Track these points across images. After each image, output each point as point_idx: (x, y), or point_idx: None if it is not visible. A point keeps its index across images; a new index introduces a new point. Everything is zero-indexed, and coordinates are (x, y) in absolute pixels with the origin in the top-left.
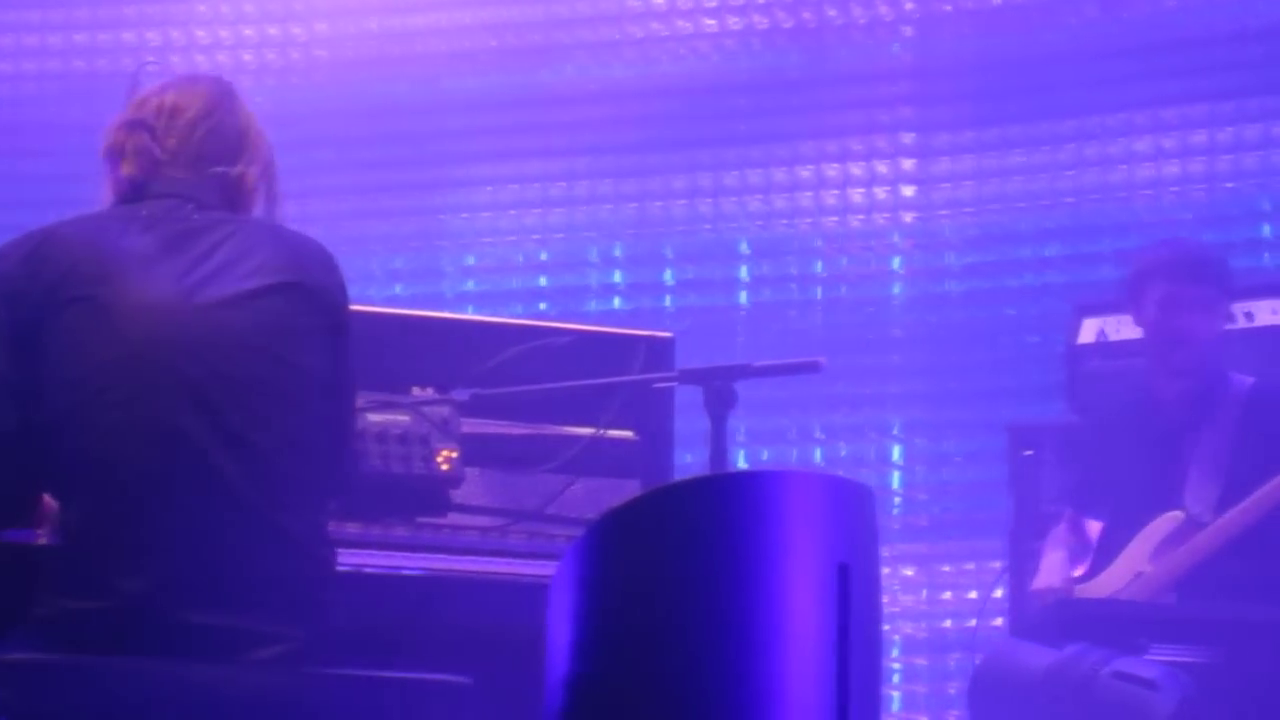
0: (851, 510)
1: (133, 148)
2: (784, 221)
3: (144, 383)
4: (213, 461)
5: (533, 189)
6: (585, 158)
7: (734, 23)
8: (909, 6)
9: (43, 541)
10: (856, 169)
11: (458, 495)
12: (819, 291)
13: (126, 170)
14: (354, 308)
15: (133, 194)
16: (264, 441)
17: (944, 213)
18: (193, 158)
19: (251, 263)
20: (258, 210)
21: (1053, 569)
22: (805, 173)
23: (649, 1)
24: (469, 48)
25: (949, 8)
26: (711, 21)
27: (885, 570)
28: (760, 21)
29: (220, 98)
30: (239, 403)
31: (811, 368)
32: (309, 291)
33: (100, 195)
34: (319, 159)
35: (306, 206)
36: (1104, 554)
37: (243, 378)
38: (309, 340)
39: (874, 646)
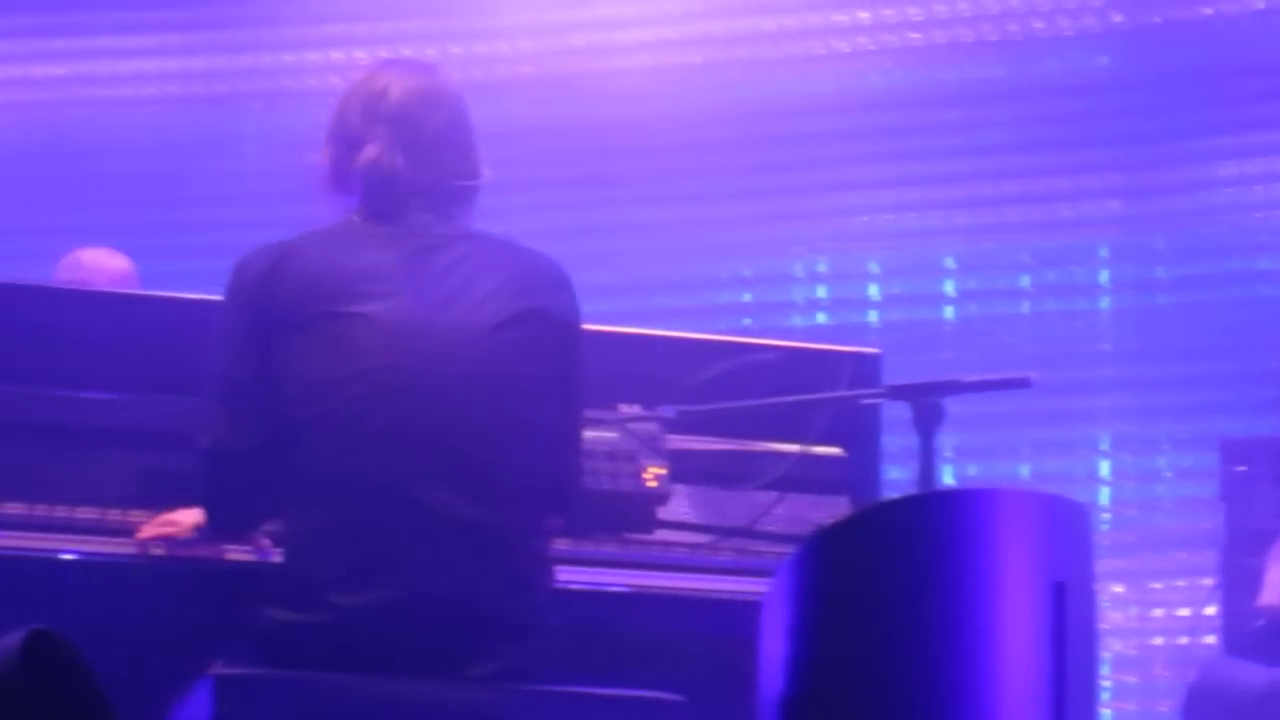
0: (1067, 528)
1: (389, 166)
2: (990, 236)
3: (376, 403)
4: (440, 481)
5: (733, 206)
6: (787, 173)
7: (939, 36)
8: (1116, 19)
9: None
10: (1062, 182)
11: (665, 512)
12: (1026, 306)
13: (381, 182)
14: None
15: (372, 207)
16: (492, 463)
17: (1153, 225)
18: (438, 169)
19: (488, 285)
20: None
21: (1277, 585)
22: (1011, 187)
23: (853, 15)
24: (692, 61)
25: (1157, 19)
26: (916, 35)
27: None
28: (965, 34)
29: (455, 97)
30: (470, 425)
31: (1020, 383)
32: (544, 316)
33: (320, 199)
34: (539, 175)
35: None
36: None
37: (475, 407)
38: (542, 367)
39: (1090, 665)
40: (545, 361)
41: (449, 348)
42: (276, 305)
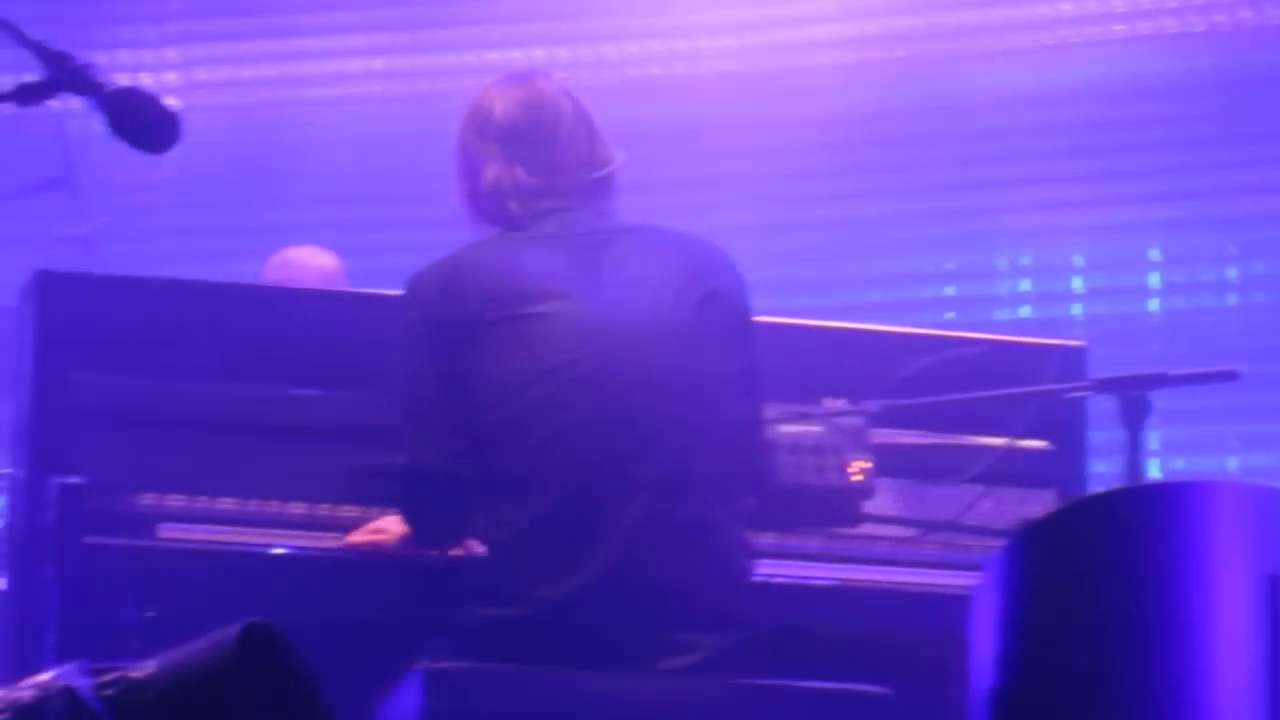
0: (1278, 521)
1: (510, 183)
2: (1196, 229)
3: (570, 397)
4: (639, 472)
5: (936, 200)
6: (989, 165)
7: (1143, 27)
8: None
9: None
10: (1268, 174)
11: (870, 506)
12: (1233, 298)
13: (512, 203)
14: (765, 319)
15: (526, 219)
16: (692, 457)
17: None
18: (567, 167)
19: (662, 273)
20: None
21: None
22: (1216, 179)
23: (1056, 8)
24: (895, 56)
25: None
26: (1121, 27)
27: None
28: (1170, 25)
29: (559, 95)
30: (667, 419)
31: (1228, 377)
32: (722, 299)
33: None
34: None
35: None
36: None
37: (670, 393)
38: (727, 348)
39: None
40: (728, 342)
41: (635, 337)
42: (455, 318)
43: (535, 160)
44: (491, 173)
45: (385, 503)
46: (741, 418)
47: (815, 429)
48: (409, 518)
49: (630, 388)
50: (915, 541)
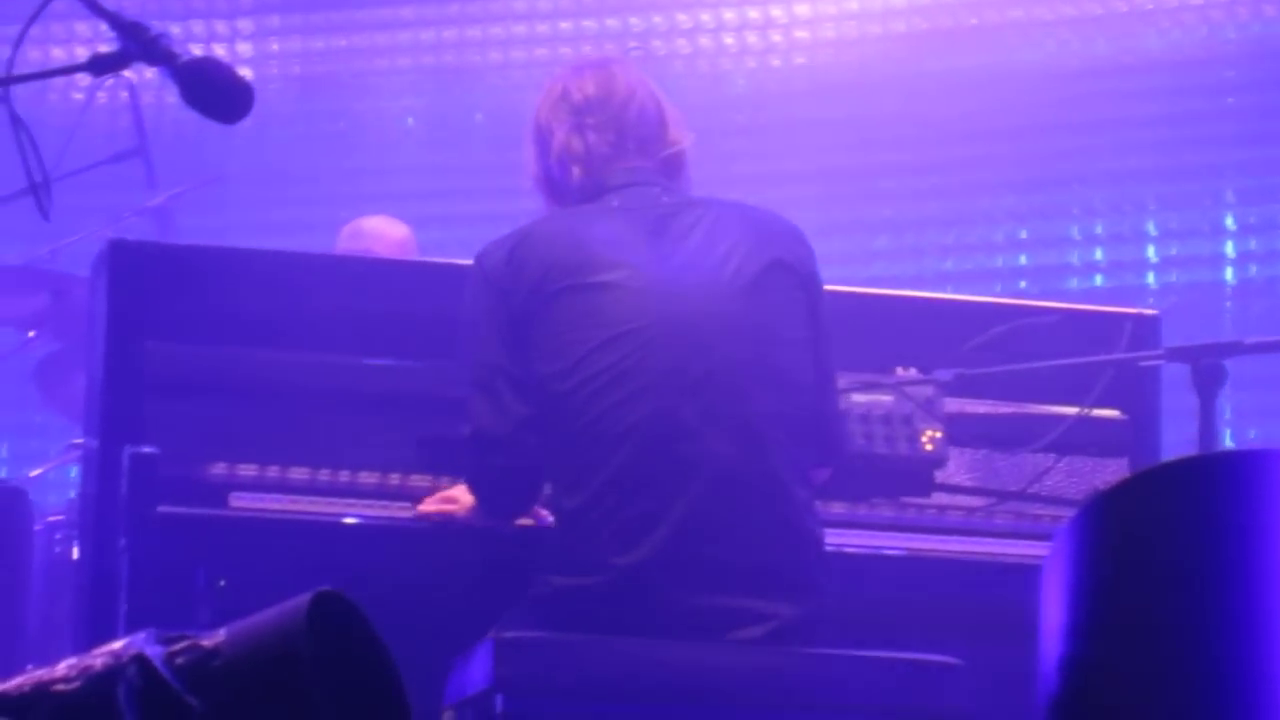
0: None
1: (580, 147)
2: (1271, 198)
3: (637, 366)
4: (709, 443)
5: (1010, 169)
6: (1063, 136)
7: None
8: None
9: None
10: None
11: (942, 475)
12: None
13: (579, 169)
14: (837, 288)
15: (594, 191)
16: (760, 422)
17: None
18: (637, 142)
19: (728, 243)
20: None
21: None
22: None
23: None
24: (968, 23)
25: None
26: None
27: None
28: None
29: (632, 77)
30: (734, 384)
31: None
32: (788, 267)
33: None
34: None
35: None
36: None
37: (736, 359)
38: (793, 315)
39: None
40: (795, 309)
41: (702, 304)
42: (521, 288)
43: (605, 130)
44: (561, 137)
45: (456, 472)
46: (810, 384)
47: (886, 398)
48: (476, 487)
49: (694, 354)
50: (986, 511)
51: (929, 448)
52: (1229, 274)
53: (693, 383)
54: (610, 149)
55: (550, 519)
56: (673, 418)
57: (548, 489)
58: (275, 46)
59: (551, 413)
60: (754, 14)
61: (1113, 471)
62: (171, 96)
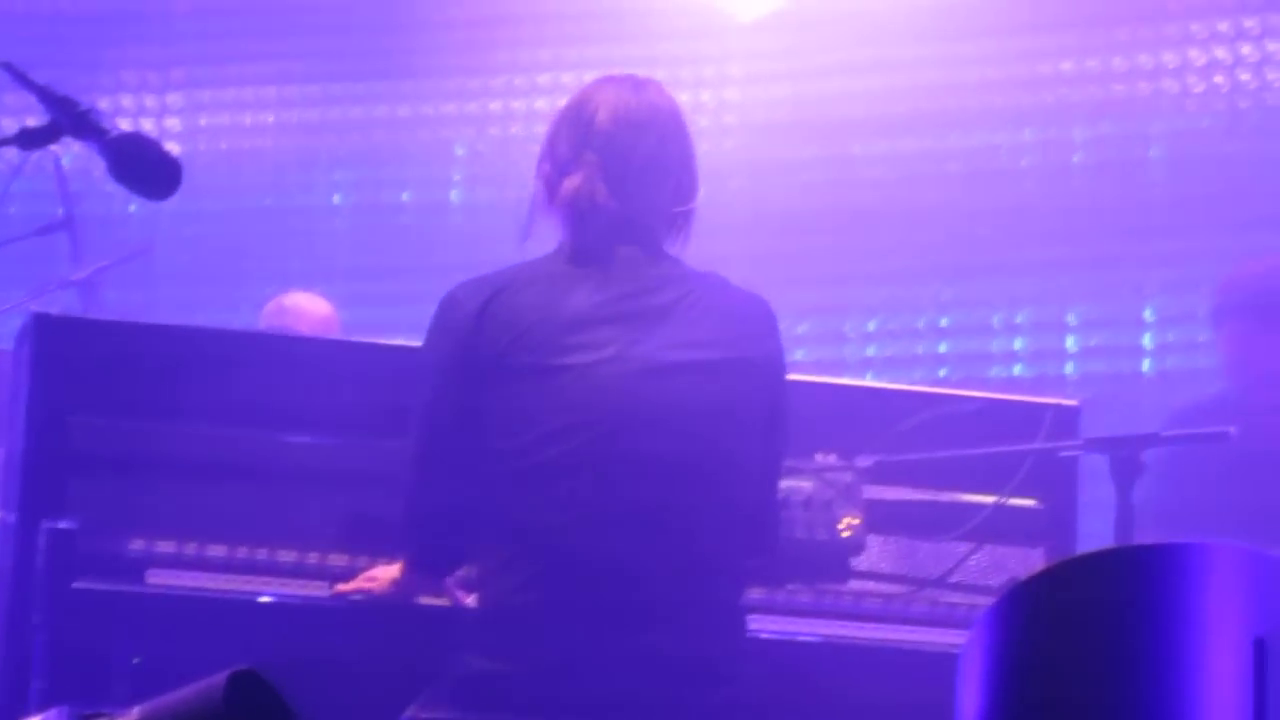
0: (1268, 583)
1: (588, 188)
2: (1189, 289)
3: (584, 457)
4: (647, 534)
5: (932, 256)
6: (986, 222)
7: (1144, 89)
8: None
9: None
10: (1261, 236)
11: (860, 562)
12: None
13: (584, 212)
14: None
15: (577, 240)
16: (699, 515)
17: None
18: (638, 197)
19: (698, 334)
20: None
21: None
22: (1210, 240)
23: (1056, 66)
24: (897, 111)
25: None
26: (1120, 87)
27: None
28: (1171, 86)
29: (667, 120)
30: (678, 478)
31: (1221, 437)
32: (753, 364)
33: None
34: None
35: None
36: None
37: (686, 454)
38: (750, 416)
39: None
40: (754, 411)
41: (659, 399)
42: (485, 350)
43: (622, 183)
44: (574, 182)
45: (375, 551)
46: (759, 480)
47: (806, 484)
48: (405, 526)
49: (646, 451)
50: (904, 598)
51: (848, 534)
52: (1147, 365)
53: (636, 478)
54: (617, 202)
55: (470, 600)
56: (610, 515)
57: (470, 569)
58: (204, 121)
59: (491, 489)
60: (684, 96)
61: (1030, 561)
62: (99, 170)
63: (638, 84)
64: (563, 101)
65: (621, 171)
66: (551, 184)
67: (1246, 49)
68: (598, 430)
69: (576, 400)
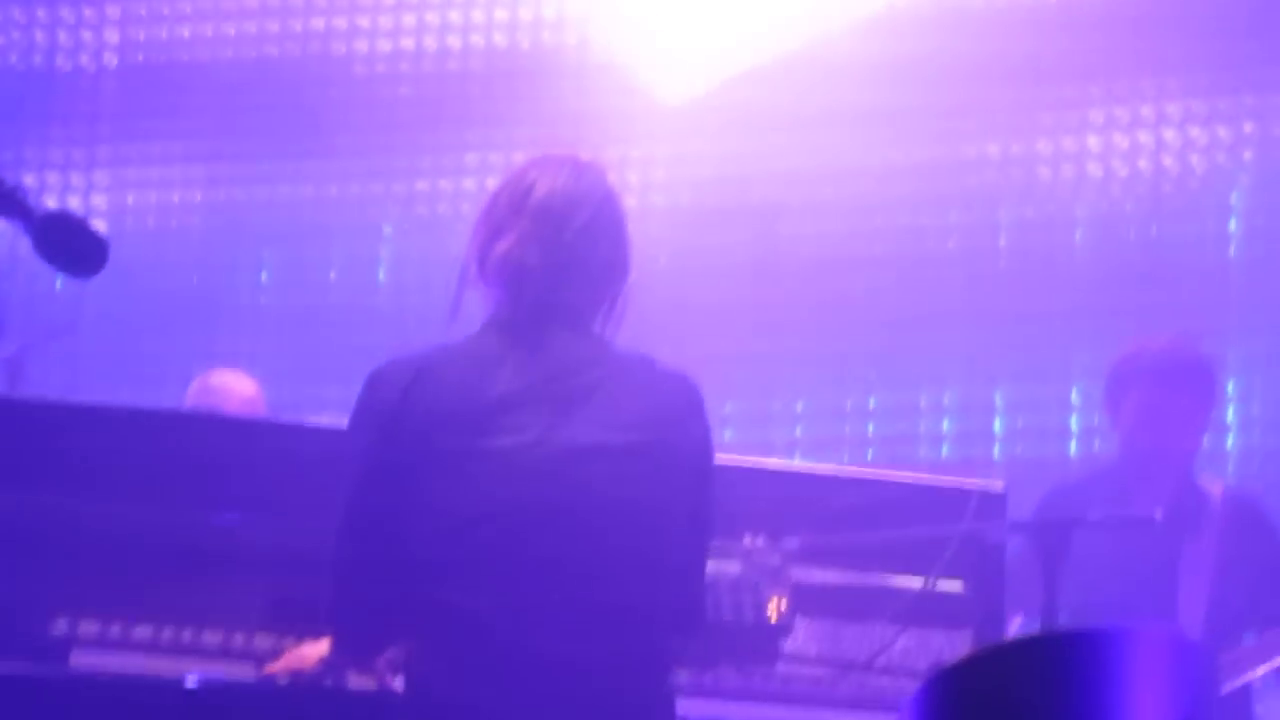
0: (1191, 667)
1: (519, 251)
2: None
3: (506, 544)
4: (568, 621)
5: (858, 337)
6: (912, 302)
7: (1067, 172)
8: None
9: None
10: (1190, 321)
11: (787, 644)
12: None
13: (515, 276)
14: None
15: (510, 312)
16: (622, 598)
17: None
18: (569, 267)
19: (625, 414)
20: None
21: None
22: (1139, 321)
23: (981, 148)
24: (822, 195)
25: None
26: (1046, 170)
27: None
28: (1094, 170)
29: (602, 200)
30: (600, 563)
31: (1147, 522)
32: (678, 447)
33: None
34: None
35: None
36: None
37: (608, 537)
38: (675, 499)
39: None
40: (679, 494)
41: (581, 483)
42: (409, 432)
43: (554, 251)
44: (505, 244)
45: (301, 632)
46: (682, 564)
47: (734, 566)
48: (330, 609)
49: (569, 535)
50: (831, 681)
51: (775, 617)
52: (1073, 448)
53: (559, 566)
54: (547, 270)
55: (397, 683)
56: (535, 599)
57: (401, 647)
58: (131, 199)
59: (417, 573)
60: (610, 178)
61: (957, 643)
62: (24, 248)
63: (579, 163)
64: (492, 181)
65: (554, 239)
66: (484, 250)
67: (1169, 134)
68: (518, 517)
69: (497, 486)
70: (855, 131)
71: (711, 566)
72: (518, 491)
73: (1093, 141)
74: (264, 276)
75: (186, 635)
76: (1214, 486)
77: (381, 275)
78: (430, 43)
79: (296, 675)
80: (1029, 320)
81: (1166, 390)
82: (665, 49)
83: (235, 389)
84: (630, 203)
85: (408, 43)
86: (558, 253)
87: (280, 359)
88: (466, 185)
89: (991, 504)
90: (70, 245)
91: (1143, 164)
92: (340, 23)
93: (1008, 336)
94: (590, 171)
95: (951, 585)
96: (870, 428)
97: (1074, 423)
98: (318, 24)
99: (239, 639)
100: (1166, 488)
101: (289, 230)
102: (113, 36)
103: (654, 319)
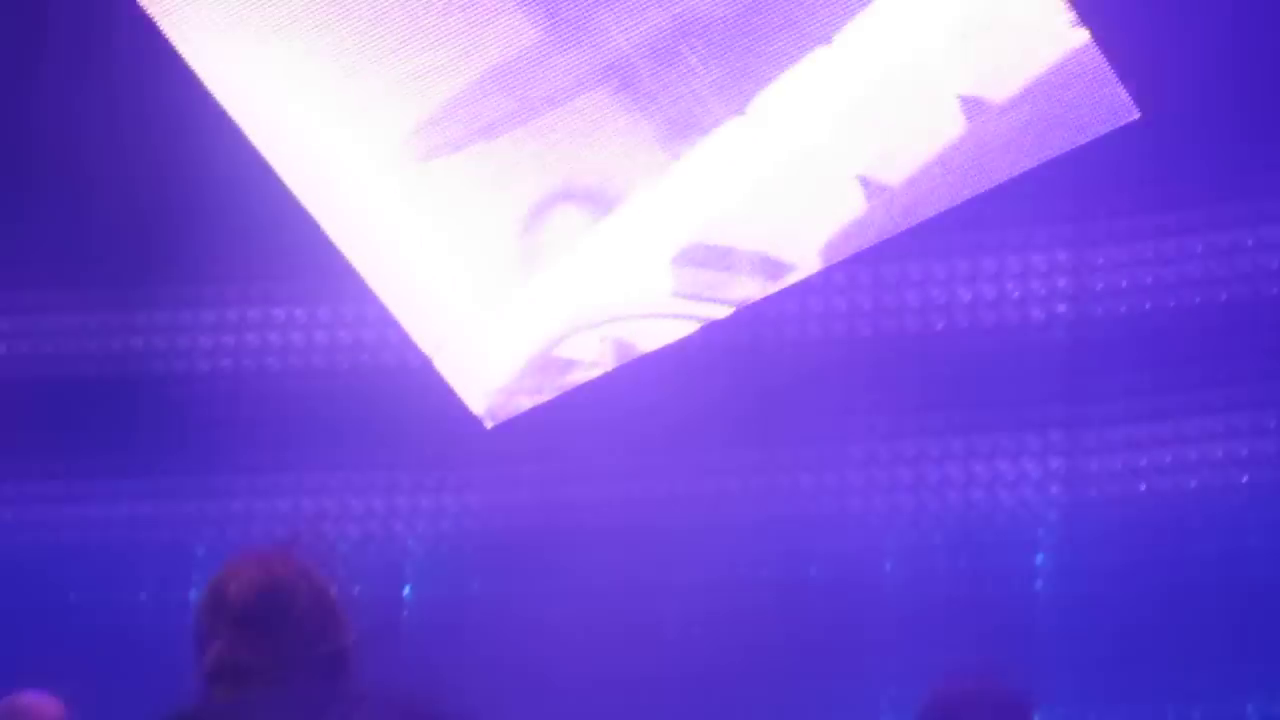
0: None
1: (230, 656)
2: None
3: None
4: None
5: (674, 673)
6: (724, 645)
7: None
8: None
9: None
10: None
11: None
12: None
13: (228, 676)
14: None
15: (244, 690)
16: None
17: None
18: (296, 646)
19: None
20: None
21: None
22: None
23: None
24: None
25: None
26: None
27: None
28: (1036, 315)
29: (295, 586)
30: None
31: None
32: None
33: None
34: None
35: None
36: None
37: None
38: None
39: None
40: None
41: None
42: None
43: (261, 646)
44: (215, 651)
45: None
46: None
47: None
48: None
49: None
50: None
51: None
52: None
53: None
54: (262, 664)
55: None
56: None
57: None
58: None
59: None
60: (426, 500)
61: None
62: None
63: (266, 560)
64: (308, 501)
65: (258, 637)
66: (198, 655)
67: (978, 467)
68: None
69: None
70: (674, 456)
71: None
72: None
73: (903, 473)
74: (71, 596)
75: None
76: None
77: (192, 597)
78: (249, 364)
79: None
80: (836, 654)
81: None
82: (482, 373)
83: (41, 711)
84: (444, 525)
85: (225, 363)
86: (262, 642)
87: (89, 679)
88: (280, 505)
89: None
90: None
91: (952, 496)
92: (159, 342)
93: (815, 668)
94: (277, 559)
95: None
96: None
97: None
98: (136, 344)
99: None
100: None
101: (98, 548)
102: None
103: (464, 643)
